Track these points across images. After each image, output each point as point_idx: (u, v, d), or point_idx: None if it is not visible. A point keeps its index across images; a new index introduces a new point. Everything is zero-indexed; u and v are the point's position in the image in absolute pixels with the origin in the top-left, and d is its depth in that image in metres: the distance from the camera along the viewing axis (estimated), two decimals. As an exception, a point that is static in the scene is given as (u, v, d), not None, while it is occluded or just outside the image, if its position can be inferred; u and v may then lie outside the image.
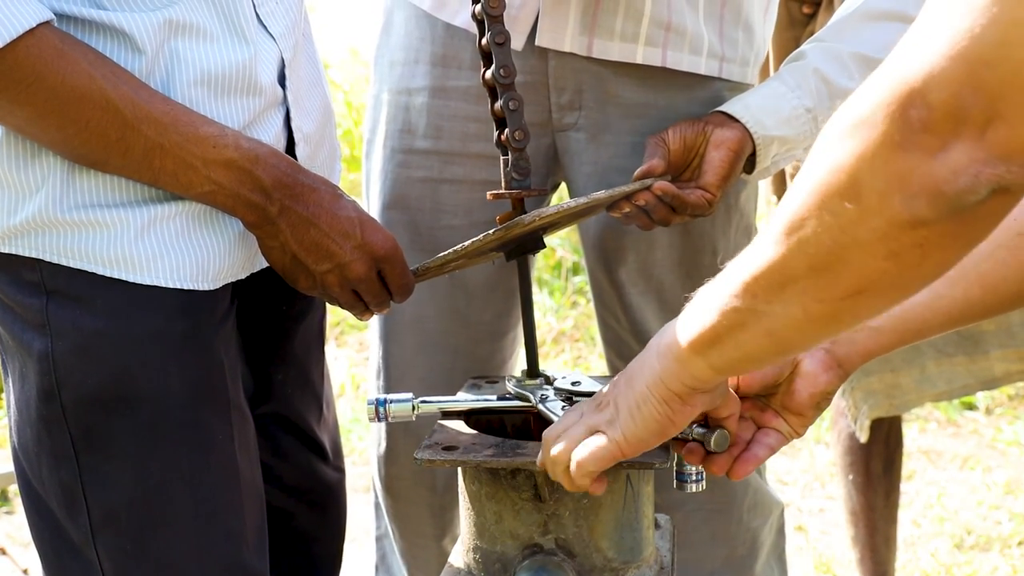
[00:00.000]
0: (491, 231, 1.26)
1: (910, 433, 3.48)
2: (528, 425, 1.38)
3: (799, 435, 1.20)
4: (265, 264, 1.31)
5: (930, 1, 0.74)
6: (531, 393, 1.31)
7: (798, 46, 2.21)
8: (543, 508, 1.21)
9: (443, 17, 1.68)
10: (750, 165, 1.53)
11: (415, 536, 1.90)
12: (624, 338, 1.80)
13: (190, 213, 1.22)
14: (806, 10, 2.27)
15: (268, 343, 1.41)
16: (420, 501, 1.86)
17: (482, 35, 1.35)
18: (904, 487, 3.16)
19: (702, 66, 1.65)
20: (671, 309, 1.72)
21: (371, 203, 1.80)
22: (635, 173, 1.46)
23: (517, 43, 1.62)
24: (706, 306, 0.95)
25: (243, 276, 1.30)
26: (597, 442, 1.07)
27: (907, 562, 2.78)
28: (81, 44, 1.13)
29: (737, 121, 1.48)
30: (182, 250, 1.21)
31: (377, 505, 1.98)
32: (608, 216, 1.57)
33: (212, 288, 1.24)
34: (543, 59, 1.64)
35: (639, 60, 1.63)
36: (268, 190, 1.20)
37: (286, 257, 1.25)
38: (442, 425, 1.31)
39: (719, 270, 0.95)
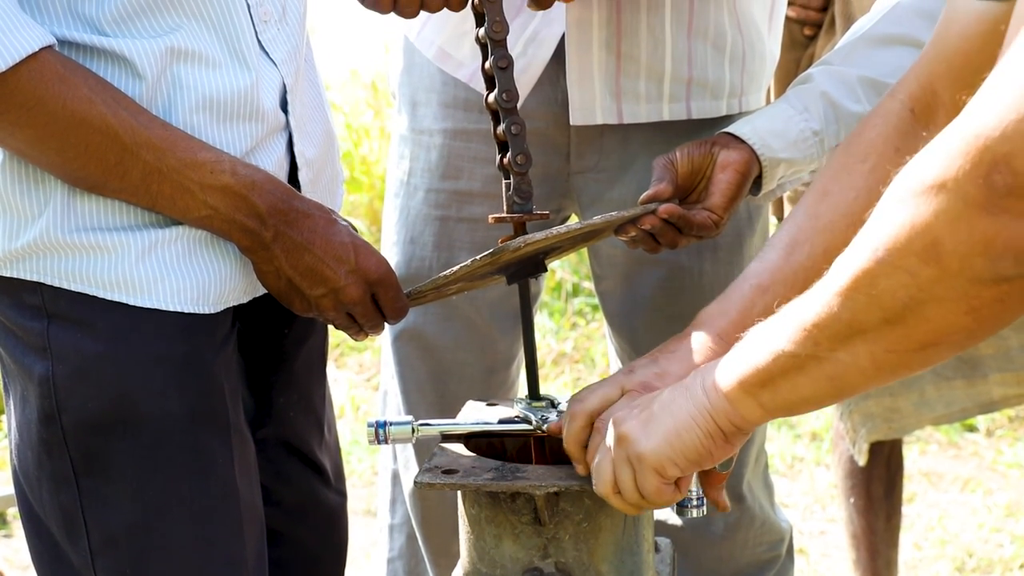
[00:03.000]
0: (479, 256, 1.26)
1: (911, 455, 3.47)
2: (528, 448, 1.38)
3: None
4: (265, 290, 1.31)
5: (1007, 55, 0.74)
6: (532, 414, 1.31)
7: (799, 67, 2.23)
8: (543, 532, 1.21)
9: (447, 69, 1.69)
10: (756, 187, 1.53)
11: (442, 556, 1.89)
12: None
13: (191, 237, 1.22)
14: (807, 32, 2.27)
15: (269, 366, 1.41)
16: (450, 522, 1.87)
17: (485, 59, 1.36)
18: (905, 510, 3.15)
19: (723, 108, 1.69)
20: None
21: (389, 237, 1.82)
22: (641, 197, 1.47)
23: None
24: (760, 348, 0.96)
25: (244, 300, 1.30)
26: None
27: (908, 585, 2.77)
28: (82, 69, 1.14)
29: (744, 143, 1.49)
30: (183, 273, 1.21)
31: (392, 527, 1.98)
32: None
33: (213, 312, 1.24)
34: (564, 128, 1.67)
35: (666, 117, 1.66)
36: (263, 216, 1.21)
37: (281, 281, 1.25)
38: (442, 448, 1.30)
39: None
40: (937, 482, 3.32)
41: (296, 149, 1.31)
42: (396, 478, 1.96)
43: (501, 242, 1.35)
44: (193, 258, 1.22)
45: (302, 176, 1.32)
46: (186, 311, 1.22)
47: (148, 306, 1.20)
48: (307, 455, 1.45)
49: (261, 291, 1.31)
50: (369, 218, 4.90)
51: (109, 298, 1.19)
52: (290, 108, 1.30)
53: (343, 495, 1.52)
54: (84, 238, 1.18)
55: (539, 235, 1.27)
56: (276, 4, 1.28)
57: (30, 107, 1.10)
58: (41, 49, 1.10)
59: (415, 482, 1.22)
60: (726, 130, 1.52)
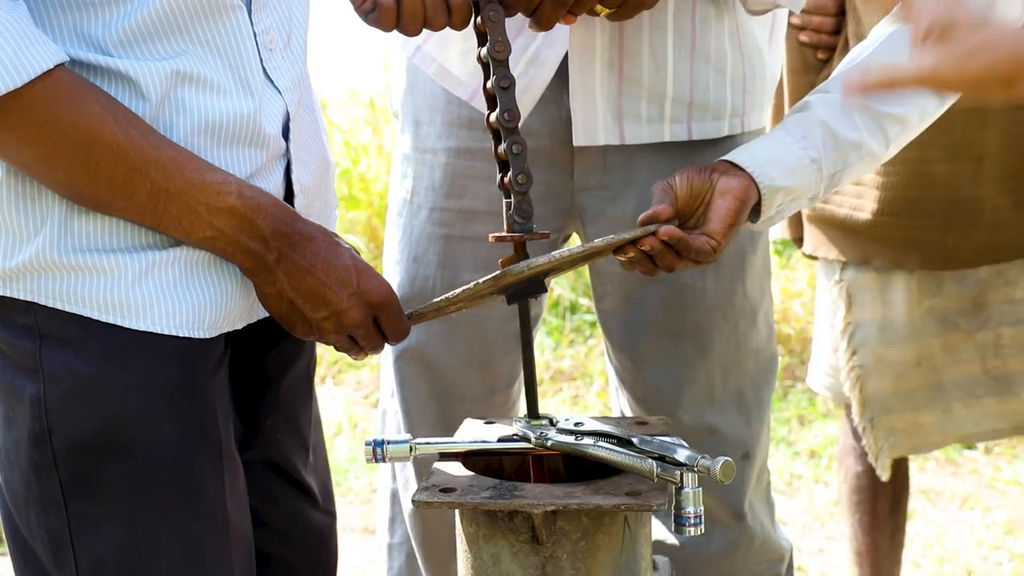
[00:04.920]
0: (481, 279, 1.27)
1: (909, 473, 3.46)
2: (527, 467, 1.38)
3: None
4: (262, 315, 1.31)
5: None
6: (531, 432, 1.31)
7: None
8: (541, 550, 1.21)
9: (448, 87, 1.70)
10: (755, 214, 1.54)
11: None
12: (637, 379, 1.79)
13: (188, 260, 1.21)
14: (820, 55, 2.28)
15: (256, 388, 1.40)
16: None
17: (487, 79, 1.36)
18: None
19: (725, 128, 1.69)
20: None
21: (392, 256, 1.82)
22: (640, 218, 1.47)
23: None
24: None
25: (239, 327, 1.29)
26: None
27: (907, 603, 2.76)
28: (93, 87, 1.14)
29: (743, 170, 1.50)
30: (179, 297, 1.21)
31: (391, 547, 1.97)
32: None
33: (208, 337, 1.24)
34: (567, 146, 1.68)
35: (667, 138, 1.67)
36: (267, 238, 1.21)
37: (283, 304, 1.25)
38: (439, 467, 1.30)
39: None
40: (936, 499, 3.31)
41: (293, 176, 1.32)
42: (395, 497, 1.96)
43: (503, 264, 1.35)
44: (190, 282, 1.22)
45: (297, 203, 1.32)
46: (182, 335, 1.21)
47: (143, 329, 1.19)
48: (294, 476, 1.45)
49: (256, 317, 1.31)
50: (367, 235, 4.91)
51: (103, 320, 1.18)
52: (291, 135, 1.31)
53: (332, 515, 1.52)
54: (80, 259, 1.18)
55: (542, 259, 1.27)
56: (282, 32, 1.28)
57: (42, 124, 1.10)
58: (55, 66, 1.10)
59: (412, 500, 1.22)
60: (725, 158, 1.52)
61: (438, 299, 1.32)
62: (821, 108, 1.55)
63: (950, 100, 1.60)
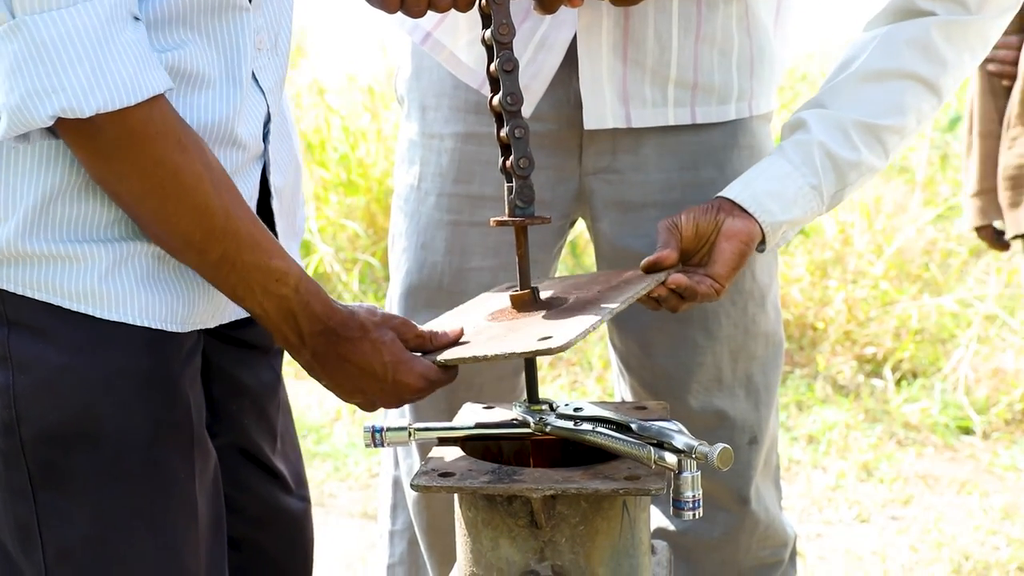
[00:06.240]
0: (519, 350, 1.23)
1: (907, 458, 3.48)
2: (526, 451, 1.38)
3: None
4: (236, 316, 1.33)
5: None
6: (530, 417, 1.31)
7: (1000, 115, 2.56)
8: (539, 535, 1.21)
9: (459, 75, 1.69)
10: (760, 244, 1.55)
11: (445, 564, 1.89)
12: (645, 364, 1.80)
13: (161, 253, 1.21)
14: (1005, 83, 2.57)
15: (224, 373, 1.40)
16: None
17: (491, 61, 1.36)
18: (901, 512, 3.16)
19: (732, 112, 1.69)
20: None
21: (399, 243, 1.82)
22: (643, 263, 1.47)
23: (525, 110, 1.64)
24: None
25: (211, 326, 1.30)
26: None
27: (905, 588, 2.77)
28: (196, 137, 1.16)
29: (746, 210, 1.51)
30: (152, 289, 1.21)
31: (392, 533, 1.97)
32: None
33: (180, 331, 1.24)
34: (576, 129, 1.68)
35: (671, 122, 1.67)
36: (304, 337, 1.24)
37: (321, 382, 1.30)
38: (438, 452, 1.31)
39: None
40: (934, 485, 3.32)
41: (270, 178, 1.32)
42: (397, 484, 1.96)
43: (511, 297, 1.37)
44: (162, 275, 1.22)
45: (273, 205, 1.33)
46: (154, 327, 1.21)
47: (115, 319, 1.19)
48: (263, 462, 1.45)
49: (230, 318, 1.32)
50: (366, 221, 4.90)
51: (75, 309, 1.18)
52: (270, 137, 1.31)
53: (306, 500, 1.52)
54: (52, 247, 1.16)
55: (575, 336, 1.22)
56: (271, 33, 1.28)
57: (143, 147, 1.11)
58: (161, 93, 1.12)
59: (411, 484, 1.22)
60: (728, 196, 1.53)
61: (466, 357, 1.29)
62: (818, 128, 1.55)
63: (945, 97, 1.61)
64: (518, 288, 1.39)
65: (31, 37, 1.05)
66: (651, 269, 1.47)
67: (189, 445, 1.25)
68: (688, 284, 1.45)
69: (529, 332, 1.27)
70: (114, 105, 1.07)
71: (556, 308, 1.35)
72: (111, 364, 1.19)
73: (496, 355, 1.25)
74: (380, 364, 1.26)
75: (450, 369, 1.30)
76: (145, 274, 1.20)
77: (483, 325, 1.37)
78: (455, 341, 1.33)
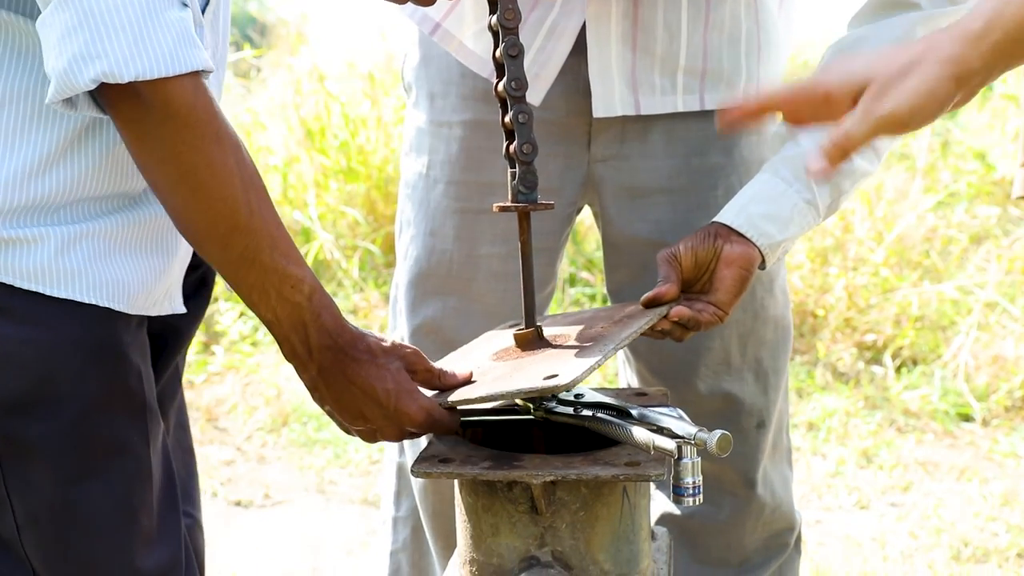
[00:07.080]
0: (526, 387, 1.23)
1: (907, 445, 3.48)
2: (528, 436, 1.38)
3: None
4: (178, 310, 1.36)
5: None
6: (532, 402, 1.31)
7: None
8: (540, 520, 1.21)
9: (470, 66, 1.69)
10: (760, 263, 1.54)
11: (451, 550, 1.89)
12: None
13: (111, 235, 1.25)
14: None
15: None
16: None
17: (496, 47, 1.36)
18: (901, 499, 3.17)
19: (740, 98, 1.68)
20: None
21: (407, 231, 1.82)
22: (643, 298, 1.46)
23: (535, 99, 1.63)
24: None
25: (153, 314, 1.33)
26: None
27: (904, 574, 2.78)
28: (231, 131, 1.17)
29: (744, 235, 1.50)
30: (100, 268, 1.24)
31: (396, 520, 1.98)
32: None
33: (127, 312, 1.27)
34: (585, 117, 1.68)
35: (680, 109, 1.67)
36: (312, 350, 1.25)
37: (322, 404, 1.30)
38: (438, 438, 1.31)
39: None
40: (933, 471, 3.33)
41: None
42: (402, 471, 1.96)
43: (515, 336, 1.38)
44: (111, 256, 1.25)
45: None
46: (102, 305, 1.24)
47: (65, 297, 1.22)
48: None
49: (173, 311, 1.36)
50: (366, 208, 4.90)
51: (27, 288, 1.21)
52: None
53: (191, 517, 1.55)
54: (5, 232, 1.20)
55: (581, 374, 1.22)
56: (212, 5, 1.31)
57: (179, 123, 1.13)
58: (200, 71, 1.13)
59: (411, 471, 1.22)
60: (724, 222, 1.51)
61: (472, 398, 1.28)
62: (807, 140, 1.54)
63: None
64: (522, 326, 1.40)
65: (81, 7, 1.09)
66: (652, 304, 1.46)
67: (142, 411, 1.29)
68: (691, 315, 1.44)
69: (535, 371, 1.27)
70: (152, 74, 1.10)
71: (560, 346, 1.36)
72: (65, 335, 1.22)
73: (503, 393, 1.25)
74: (383, 390, 1.26)
75: (455, 412, 1.31)
76: (94, 254, 1.24)
77: (488, 365, 1.38)
78: (464, 383, 1.33)
